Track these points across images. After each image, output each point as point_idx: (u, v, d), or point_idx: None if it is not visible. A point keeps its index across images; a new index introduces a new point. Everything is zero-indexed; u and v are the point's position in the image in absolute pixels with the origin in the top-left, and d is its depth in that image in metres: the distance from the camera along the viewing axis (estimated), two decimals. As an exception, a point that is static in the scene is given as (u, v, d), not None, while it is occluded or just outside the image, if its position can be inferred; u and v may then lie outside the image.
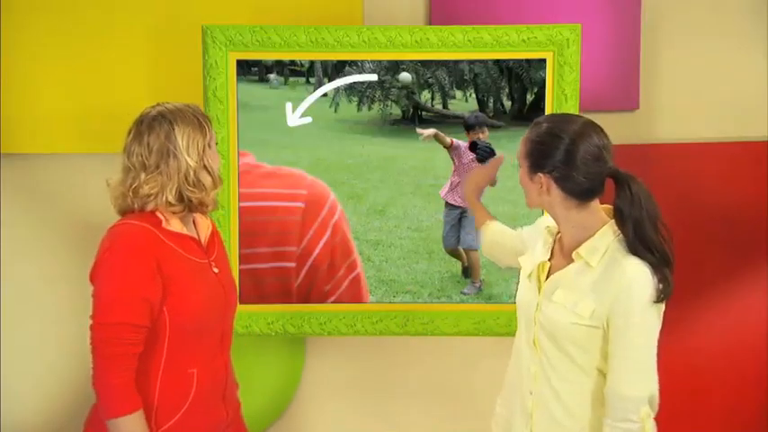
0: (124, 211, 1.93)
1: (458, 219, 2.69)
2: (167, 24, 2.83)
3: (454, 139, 2.64)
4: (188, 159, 1.89)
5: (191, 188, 1.90)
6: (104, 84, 2.84)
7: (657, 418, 1.81)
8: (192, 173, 1.90)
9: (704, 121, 2.94)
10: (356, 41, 2.61)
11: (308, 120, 2.64)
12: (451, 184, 2.68)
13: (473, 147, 2.62)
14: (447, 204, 2.69)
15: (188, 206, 1.92)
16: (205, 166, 1.92)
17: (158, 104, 1.95)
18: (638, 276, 1.75)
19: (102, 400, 1.82)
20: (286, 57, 2.63)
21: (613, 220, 1.84)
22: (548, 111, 2.64)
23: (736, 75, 2.94)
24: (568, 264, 1.85)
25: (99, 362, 1.82)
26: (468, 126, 2.65)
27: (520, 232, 2.16)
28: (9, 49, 2.82)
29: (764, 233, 2.92)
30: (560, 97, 2.63)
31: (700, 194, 2.91)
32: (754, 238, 2.92)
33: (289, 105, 2.64)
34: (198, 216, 2.04)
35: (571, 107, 2.60)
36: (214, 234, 2.08)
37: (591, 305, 1.78)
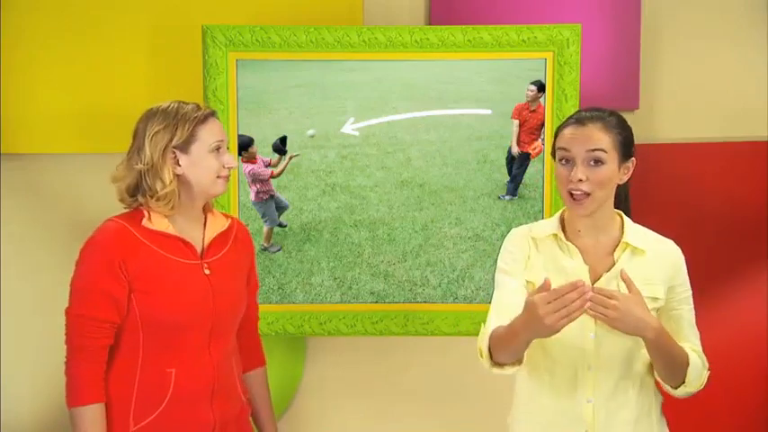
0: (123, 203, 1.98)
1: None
2: (167, 24, 2.83)
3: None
4: (148, 156, 1.88)
5: (145, 187, 1.90)
6: (104, 84, 2.83)
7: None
8: (149, 173, 1.89)
9: (704, 121, 2.94)
10: (356, 41, 2.61)
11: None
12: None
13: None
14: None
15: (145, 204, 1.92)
16: (158, 169, 1.88)
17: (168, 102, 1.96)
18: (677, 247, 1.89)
19: (67, 388, 1.89)
20: (286, 57, 2.63)
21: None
22: (548, 111, 2.64)
23: (736, 75, 2.93)
24: (609, 261, 1.84)
25: (69, 351, 1.90)
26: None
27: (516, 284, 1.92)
28: (9, 49, 2.82)
29: (764, 233, 2.91)
30: (560, 97, 2.63)
31: (700, 194, 2.91)
32: (754, 238, 2.92)
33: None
34: (212, 214, 2.01)
35: (571, 107, 2.60)
36: (227, 235, 2.02)
37: (659, 286, 1.83)
